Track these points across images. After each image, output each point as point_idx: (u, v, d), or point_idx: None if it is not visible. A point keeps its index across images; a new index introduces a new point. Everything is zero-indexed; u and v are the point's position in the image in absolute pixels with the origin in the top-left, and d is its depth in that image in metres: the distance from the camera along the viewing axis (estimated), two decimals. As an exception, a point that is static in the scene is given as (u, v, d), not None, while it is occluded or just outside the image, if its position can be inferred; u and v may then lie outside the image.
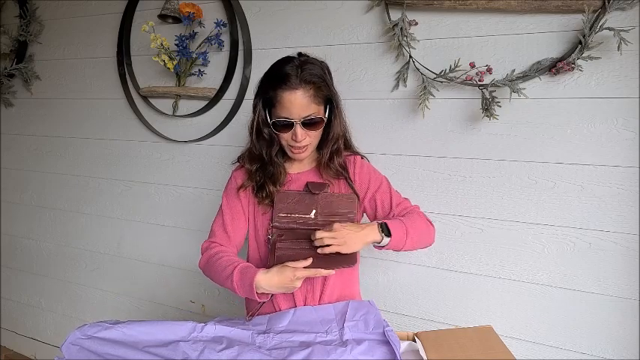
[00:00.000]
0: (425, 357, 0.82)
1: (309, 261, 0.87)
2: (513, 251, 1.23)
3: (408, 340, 0.92)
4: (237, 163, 1.08)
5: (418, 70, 1.24)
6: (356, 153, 1.09)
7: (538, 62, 1.13)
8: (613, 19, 1.05)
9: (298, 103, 0.90)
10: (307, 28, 1.41)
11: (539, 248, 1.20)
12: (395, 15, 1.25)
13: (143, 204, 1.76)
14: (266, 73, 0.97)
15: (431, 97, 1.22)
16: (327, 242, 0.89)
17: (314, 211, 0.97)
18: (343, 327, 0.90)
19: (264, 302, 0.97)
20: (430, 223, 1.04)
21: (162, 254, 1.75)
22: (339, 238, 0.89)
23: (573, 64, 1.08)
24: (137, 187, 1.76)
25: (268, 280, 0.86)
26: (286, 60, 0.94)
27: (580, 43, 1.06)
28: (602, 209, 1.13)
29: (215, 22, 1.46)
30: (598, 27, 1.03)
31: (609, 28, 1.02)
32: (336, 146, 1.00)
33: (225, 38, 1.51)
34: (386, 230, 0.92)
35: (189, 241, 1.68)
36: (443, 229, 1.28)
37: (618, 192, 1.11)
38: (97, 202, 1.86)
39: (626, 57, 1.06)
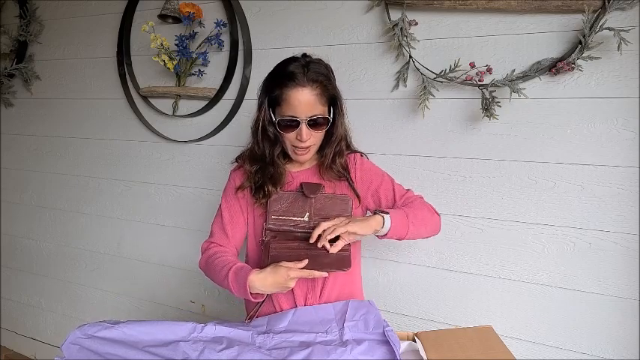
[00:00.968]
0: (425, 357, 0.82)
1: (305, 262, 0.86)
2: (513, 251, 1.23)
3: (408, 340, 0.92)
4: (236, 164, 1.08)
5: (418, 70, 1.24)
6: (355, 151, 1.09)
7: (538, 62, 1.13)
8: (613, 19, 1.05)
9: (305, 101, 0.90)
10: (307, 28, 1.41)
11: (539, 248, 1.20)
12: (395, 15, 1.25)
13: (143, 204, 1.76)
14: (271, 72, 0.97)
15: (431, 97, 1.22)
16: (339, 228, 0.88)
17: (307, 214, 0.97)
18: (343, 327, 0.90)
19: (261, 303, 0.97)
20: (435, 211, 1.04)
21: (162, 254, 1.75)
22: (345, 223, 0.89)
23: (573, 64, 1.08)
24: (137, 187, 1.76)
25: (262, 280, 0.86)
26: (292, 59, 0.94)
27: (580, 43, 1.06)
28: (602, 209, 1.13)
29: (215, 22, 1.46)
30: (598, 27, 1.03)
31: (609, 28, 1.02)
32: (338, 148, 1.00)
33: (225, 38, 1.51)
34: (385, 214, 0.93)
35: (189, 241, 1.68)
36: (443, 229, 1.26)
37: (618, 192, 1.11)
38: (97, 202, 1.86)
39: (626, 57, 1.06)
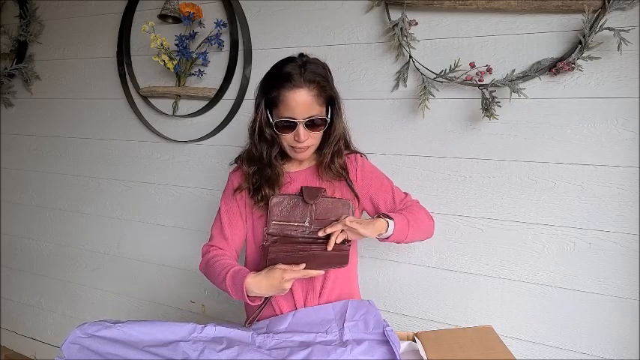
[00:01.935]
0: (425, 357, 0.82)
1: (302, 266, 0.86)
2: (513, 251, 1.23)
3: (408, 340, 0.92)
4: (235, 165, 1.08)
5: (418, 70, 1.24)
6: (355, 151, 1.08)
7: (538, 62, 1.13)
8: (613, 19, 1.05)
9: (302, 102, 0.90)
10: (307, 28, 1.41)
11: (539, 248, 1.20)
12: (395, 15, 1.25)
13: (143, 204, 1.76)
14: (268, 72, 0.96)
15: (431, 97, 1.22)
16: (349, 222, 0.89)
17: (308, 219, 0.97)
18: (343, 327, 0.90)
19: (261, 308, 0.97)
20: (430, 216, 1.08)
21: (162, 254, 1.75)
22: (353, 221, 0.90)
23: (573, 64, 1.08)
24: (137, 187, 1.76)
25: (257, 283, 0.86)
26: (288, 60, 0.94)
27: (580, 43, 1.06)
28: (602, 209, 1.13)
29: (215, 22, 1.46)
30: (598, 27, 1.03)
31: (609, 28, 1.02)
32: (337, 147, 1.00)
33: (225, 38, 1.51)
34: (390, 220, 0.94)
35: (189, 241, 1.68)
36: (443, 229, 1.28)
37: (618, 192, 1.11)
38: (97, 202, 1.86)
39: (626, 57, 1.06)
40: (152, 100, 1.67)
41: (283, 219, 0.97)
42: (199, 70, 1.54)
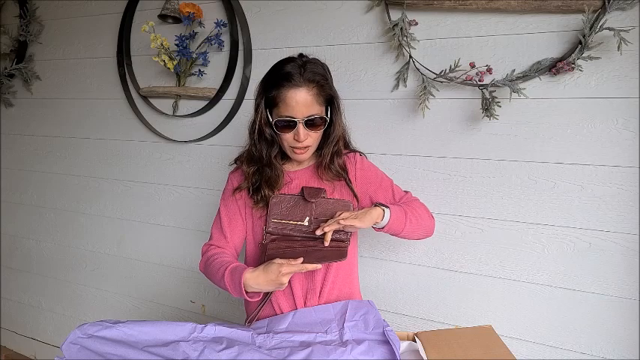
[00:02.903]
0: (425, 357, 0.82)
1: (300, 260, 0.86)
2: (513, 251, 1.23)
3: (408, 340, 0.92)
4: (234, 165, 1.08)
5: (418, 70, 1.24)
6: (354, 150, 1.09)
7: (538, 62, 1.13)
8: (613, 19, 1.05)
9: (302, 101, 0.90)
10: (307, 28, 1.41)
11: (539, 248, 1.20)
12: (395, 15, 1.25)
13: (143, 204, 1.76)
14: (268, 72, 0.96)
15: (431, 97, 1.22)
16: (344, 218, 0.89)
17: (308, 218, 0.97)
18: (343, 327, 0.90)
19: (261, 305, 0.97)
20: (431, 215, 1.06)
21: (162, 254, 1.75)
22: (351, 215, 0.90)
23: (573, 64, 1.08)
24: (137, 187, 1.76)
25: (255, 279, 0.85)
26: (288, 60, 0.94)
27: (580, 43, 1.06)
28: (602, 209, 1.13)
29: (215, 22, 1.46)
30: (598, 27, 1.03)
31: (609, 28, 1.02)
32: (336, 148, 1.00)
33: (225, 38, 1.51)
34: (386, 208, 0.94)
35: (189, 241, 1.68)
36: (443, 229, 1.28)
37: (618, 192, 1.11)
38: (97, 202, 1.86)
39: (626, 57, 1.06)
40: (152, 100, 1.67)
41: (283, 218, 0.97)
42: (199, 70, 1.54)
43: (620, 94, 1.09)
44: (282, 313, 0.99)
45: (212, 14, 1.51)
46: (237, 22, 1.48)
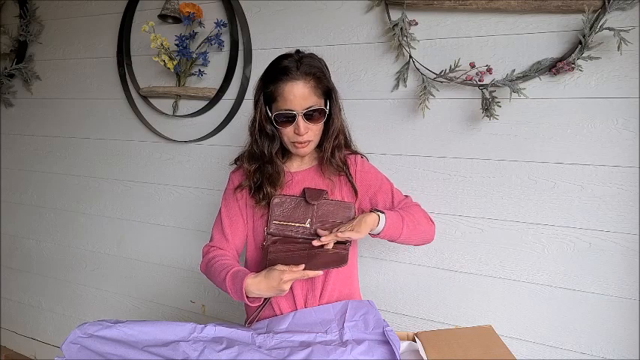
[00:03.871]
0: (425, 357, 0.82)
1: (301, 267, 0.86)
2: (513, 251, 1.23)
3: (408, 340, 0.92)
4: (235, 166, 1.08)
5: (418, 70, 1.24)
6: (356, 152, 1.09)
7: (538, 62, 1.13)
8: (613, 19, 1.05)
9: (299, 93, 0.91)
10: (307, 28, 1.41)
11: (539, 248, 1.20)
12: (395, 15, 1.25)
13: (143, 204, 1.76)
14: (265, 69, 0.97)
15: (431, 97, 1.22)
16: (342, 231, 0.90)
17: (309, 220, 0.97)
18: (343, 327, 0.90)
19: (260, 308, 0.97)
20: (431, 220, 1.05)
21: (162, 254, 1.75)
22: (346, 226, 0.91)
23: (573, 64, 1.08)
24: (137, 187, 1.76)
25: (257, 284, 0.86)
26: (285, 55, 0.95)
27: (580, 43, 1.06)
28: (602, 209, 1.13)
29: (215, 22, 1.46)
30: (598, 27, 1.03)
31: (609, 28, 1.02)
32: (337, 141, 1.00)
33: (225, 38, 1.51)
34: (380, 212, 0.94)
35: (189, 241, 1.68)
36: (443, 229, 1.28)
37: (618, 192, 1.11)
38: (97, 202, 1.86)
39: (626, 57, 1.06)
40: (152, 100, 1.67)
41: (284, 219, 0.97)
42: (199, 70, 1.54)
43: (620, 94, 1.09)
44: (282, 313, 0.99)
45: (212, 14, 1.51)
46: (237, 22, 1.48)
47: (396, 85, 1.30)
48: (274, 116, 0.94)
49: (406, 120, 1.30)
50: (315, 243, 0.91)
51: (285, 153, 1.04)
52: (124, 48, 1.69)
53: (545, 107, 1.16)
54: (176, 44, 1.50)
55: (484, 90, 1.15)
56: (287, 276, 0.83)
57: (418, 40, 1.25)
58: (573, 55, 1.08)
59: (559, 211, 1.17)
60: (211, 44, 1.51)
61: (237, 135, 1.53)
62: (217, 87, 1.54)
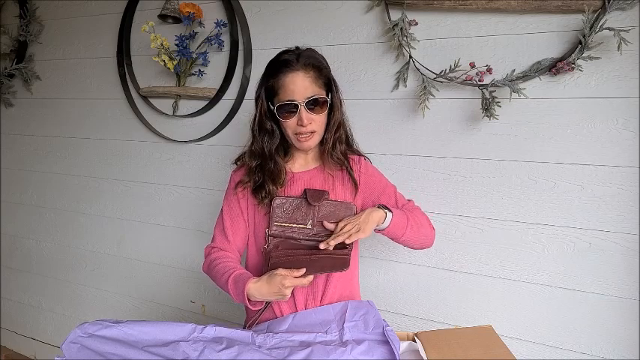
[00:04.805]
0: (425, 357, 0.82)
1: (302, 271, 0.86)
2: (513, 251, 1.23)
3: (408, 340, 0.92)
4: (236, 165, 1.08)
5: (418, 70, 1.24)
6: (359, 154, 1.09)
7: (538, 62, 1.13)
8: (613, 19, 1.05)
9: (300, 84, 0.92)
10: (307, 28, 1.41)
11: (539, 248, 1.20)
12: (395, 15, 1.25)
13: (143, 204, 1.76)
14: (266, 66, 0.99)
15: (431, 97, 1.22)
16: (347, 229, 0.90)
17: (310, 221, 0.97)
18: (343, 327, 0.90)
19: (261, 312, 0.97)
20: (432, 225, 1.06)
21: (162, 254, 1.75)
22: (352, 225, 0.90)
23: (573, 64, 1.08)
24: (137, 187, 1.76)
25: (259, 289, 0.87)
26: (285, 51, 0.97)
27: (580, 43, 1.06)
28: (602, 209, 1.13)
29: (215, 22, 1.46)
30: (598, 27, 1.03)
31: (609, 28, 1.02)
32: (338, 134, 1.01)
33: (225, 38, 1.51)
34: (387, 209, 0.95)
35: (189, 241, 1.68)
36: (443, 229, 1.28)
37: (618, 192, 1.11)
38: (97, 202, 1.85)
39: (626, 57, 1.06)
40: (152, 100, 1.67)
41: (285, 220, 0.97)
42: (199, 70, 1.54)
43: (620, 94, 1.09)
44: (283, 315, 0.99)
45: (212, 14, 1.51)
46: (237, 22, 1.48)
47: (396, 85, 1.30)
48: (277, 108, 0.95)
49: (406, 120, 1.30)
50: (322, 246, 0.90)
51: (288, 152, 1.04)
52: (124, 48, 1.69)
53: (545, 107, 1.16)
54: (176, 44, 1.50)
55: (484, 90, 1.15)
56: (288, 282, 0.84)
57: (418, 40, 1.25)
58: (573, 55, 1.08)
59: (559, 211, 1.17)
60: (211, 44, 1.51)
61: (237, 135, 1.53)
62: (217, 87, 1.54)
